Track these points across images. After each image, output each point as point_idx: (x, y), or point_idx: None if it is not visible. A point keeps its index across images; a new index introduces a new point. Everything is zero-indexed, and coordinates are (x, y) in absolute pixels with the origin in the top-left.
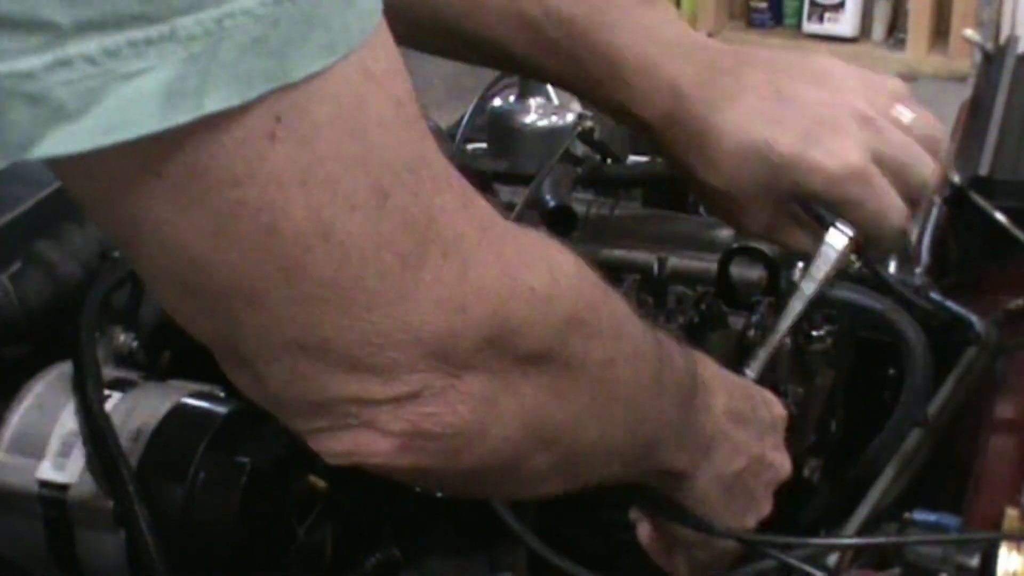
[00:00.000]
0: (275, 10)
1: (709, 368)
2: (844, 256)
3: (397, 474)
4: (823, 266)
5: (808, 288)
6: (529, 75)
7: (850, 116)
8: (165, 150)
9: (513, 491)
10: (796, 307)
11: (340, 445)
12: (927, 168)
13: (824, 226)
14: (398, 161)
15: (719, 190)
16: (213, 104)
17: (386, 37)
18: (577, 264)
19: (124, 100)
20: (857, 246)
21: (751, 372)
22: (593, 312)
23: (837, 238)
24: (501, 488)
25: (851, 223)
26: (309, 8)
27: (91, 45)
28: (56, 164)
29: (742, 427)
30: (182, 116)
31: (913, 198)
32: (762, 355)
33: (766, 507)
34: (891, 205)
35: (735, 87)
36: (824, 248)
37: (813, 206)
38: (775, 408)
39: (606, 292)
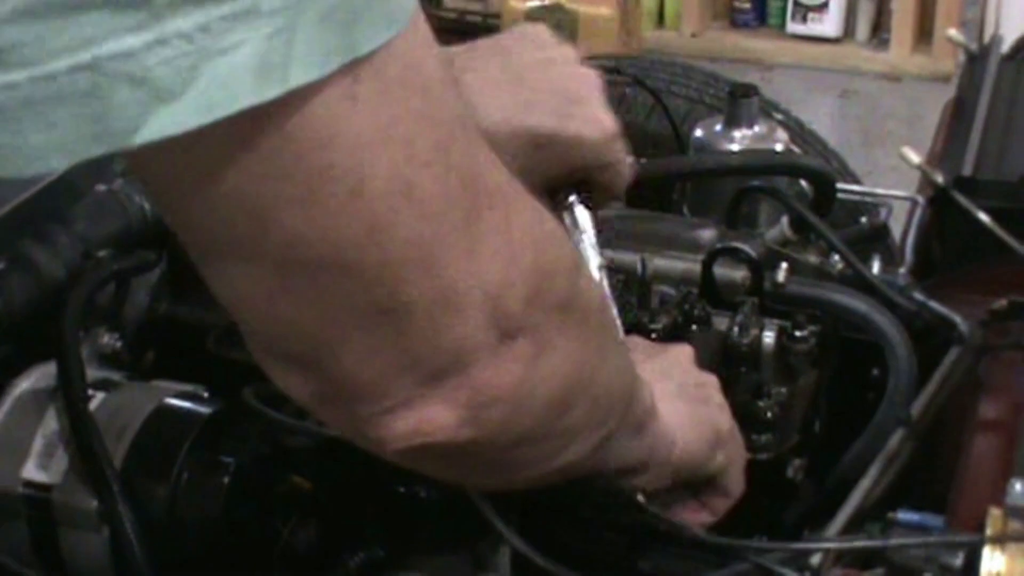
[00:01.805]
0: None
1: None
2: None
3: (448, 456)
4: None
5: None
6: None
7: (587, 84)
8: (257, 123)
9: (543, 462)
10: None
11: (405, 425)
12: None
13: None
14: (452, 118)
15: None
16: (297, 78)
17: (420, 4)
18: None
19: (220, 76)
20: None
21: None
22: (578, 257)
23: (583, 213)
24: (535, 458)
25: (611, 181)
26: None
27: (185, 22)
28: (143, 157)
29: (697, 402)
30: (273, 90)
31: None
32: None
33: (727, 416)
34: (626, 160)
35: (480, 80)
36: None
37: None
38: (712, 385)
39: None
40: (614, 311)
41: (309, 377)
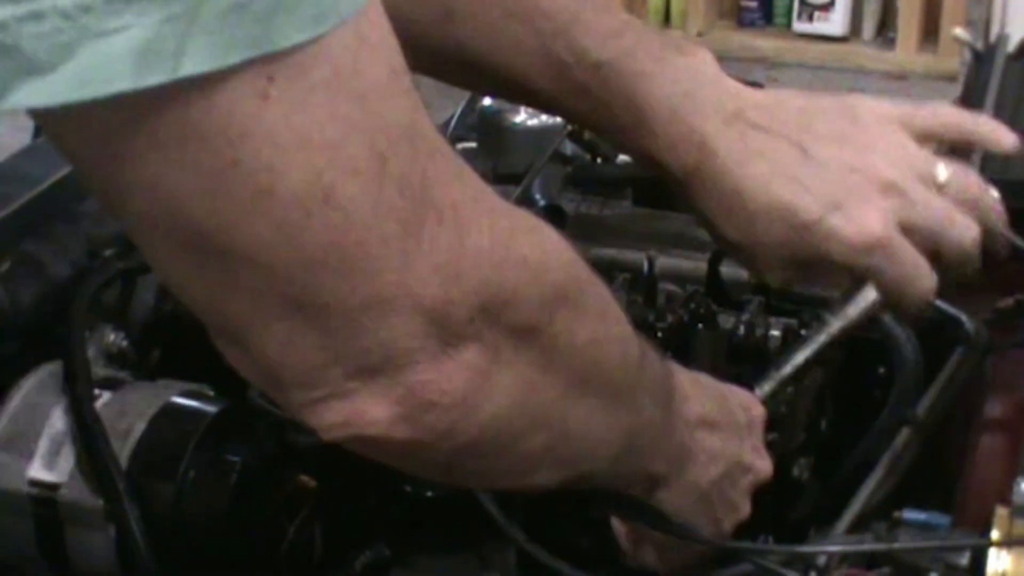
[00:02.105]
0: None
1: (681, 374)
2: (873, 307)
3: (390, 453)
4: (853, 311)
5: (834, 325)
6: (556, 114)
7: (876, 182)
8: (154, 108)
9: (507, 478)
10: (818, 340)
11: (336, 416)
12: (963, 231)
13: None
14: (395, 127)
15: (740, 245)
16: (190, 67)
17: (379, 9)
18: (566, 244)
19: (97, 57)
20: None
21: (760, 392)
22: (580, 289)
23: (870, 292)
24: (495, 473)
25: (890, 291)
26: None
27: (64, 0)
28: (45, 120)
29: (717, 434)
30: (156, 77)
31: (952, 264)
32: (774, 379)
33: (744, 510)
34: (915, 275)
35: (762, 143)
36: (860, 294)
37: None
38: (753, 409)
39: (591, 273)
40: (659, 368)
41: (245, 358)
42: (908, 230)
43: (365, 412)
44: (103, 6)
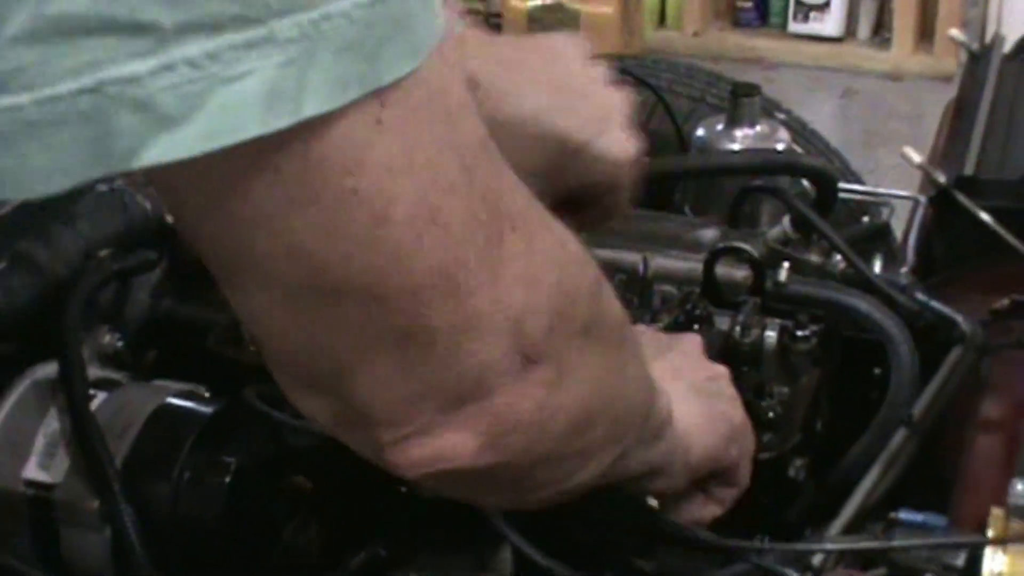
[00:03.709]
0: (369, 13)
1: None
2: None
3: (470, 481)
4: None
5: None
6: None
7: (622, 104)
8: (277, 148)
9: (562, 481)
10: None
11: (425, 451)
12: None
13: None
14: (475, 141)
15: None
16: (311, 108)
17: (446, 28)
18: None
19: (226, 104)
20: None
21: None
22: (606, 282)
23: None
24: (555, 478)
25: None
26: (398, 10)
27: (193, 48)
28: (157, 174)
29: (709, 399)
30: (282, 120)
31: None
32: None
33: (740, 409)
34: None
35: (522, 74)
36: None
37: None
38: (690, 342)
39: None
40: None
41: (329, 401)
42: None
43: (454, 445)
44: (228, 53)
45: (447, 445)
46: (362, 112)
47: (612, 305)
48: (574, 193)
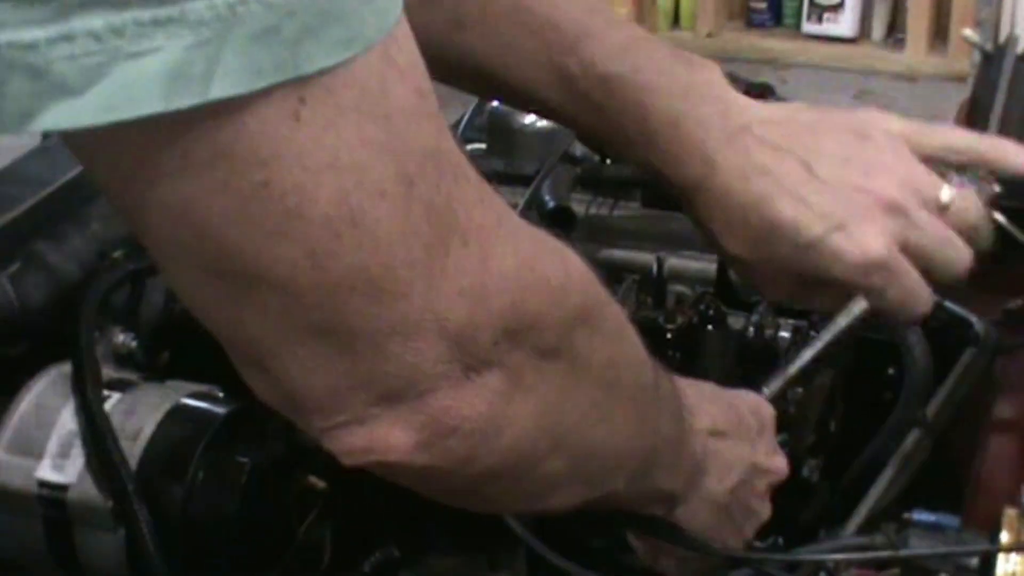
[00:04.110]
0: (290, 0)
1: (689, 389)
2: (861, 317)
3: (411, 478)
4: (843, 320)
5: (826, 335)
6: (562, 124)
7: (879, 203)
8: (184, 130)
9: (527, 501)
10: (817, 345)
11: (357, 441)
12: (957, 254)
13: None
14: (421, 150)
15: (743, 261)
16: (219, 90)
17: (407, 31)
18: (584, 264)
19: (127, 80)
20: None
21: (767, 391)
22: (599, 310)
23: (859, 303)
24: (515, 497)
25: (887, 309)
26: (326, 2)
27: (96, 21)
28: (72, 139)
29: (728, 441)
30: (185, 100)
31: (939, 284)
32: (779, 381)
33: (764, 513)
34: (913, 293)
35: (767, 159)
36: (848, 305)
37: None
38: (762, 410)
39: (608, 294)
40: (669, 386)
41: (267, 384)
42: (906, 249)
43: (386, 438)
44: (134, 28)
45: (380, 437)
46: (278, 105)
47: (598, 345)
48: (822, 287)
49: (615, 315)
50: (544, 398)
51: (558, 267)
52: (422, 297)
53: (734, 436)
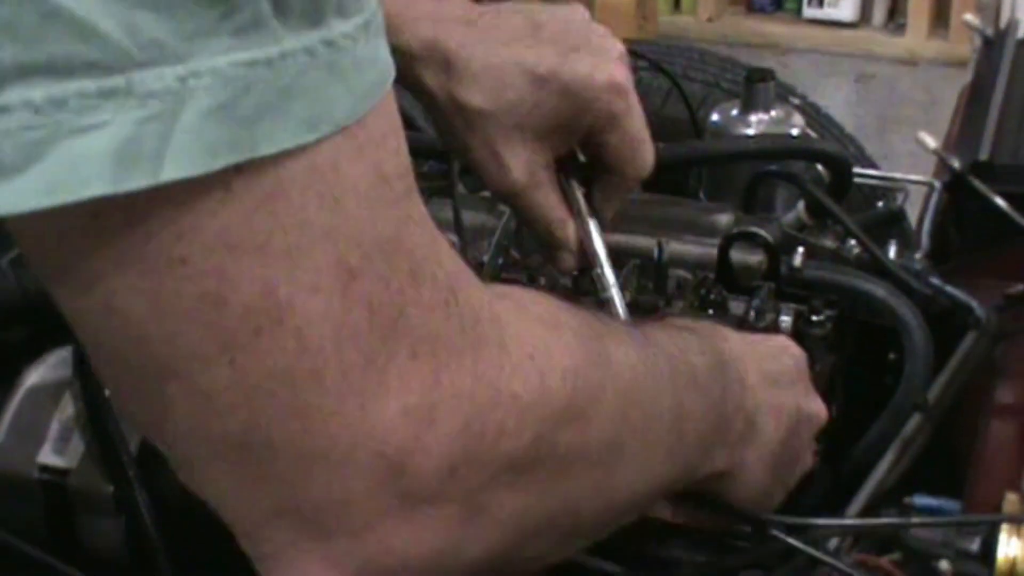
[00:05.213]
0: (247, 73)
1: (732, 341)
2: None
3: None
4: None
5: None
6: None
7: (607, 40)
8: (113, 210)
9: (518, 570)
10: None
11: (289, 574)
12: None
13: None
14: (370, 240)
15: (483, 111)
16: (171, 172)
17: (387, 107)
18: (576, 348)
19: (71, 157)
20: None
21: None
22: (592, 399)
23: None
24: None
25: (620, 149)
26: (290, 78)
27: (35, 92)
28: (9, 221)
29: (776, 387)
30: (135, 182)
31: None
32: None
33: (808, 462)
34: (643, 135)
35: (493, 23)
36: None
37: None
38: (794, 350)
39: (609, 365)
40: (704, 369)
41: (195, 488)
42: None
43: None
44: (77, 100)
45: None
46: (209, 180)
47: (593, 435)
48: (587, 152)
49: (618, 388)
50: (517, 508)
51: (531, 377)
52: (356, 415)
53: (780, 381)
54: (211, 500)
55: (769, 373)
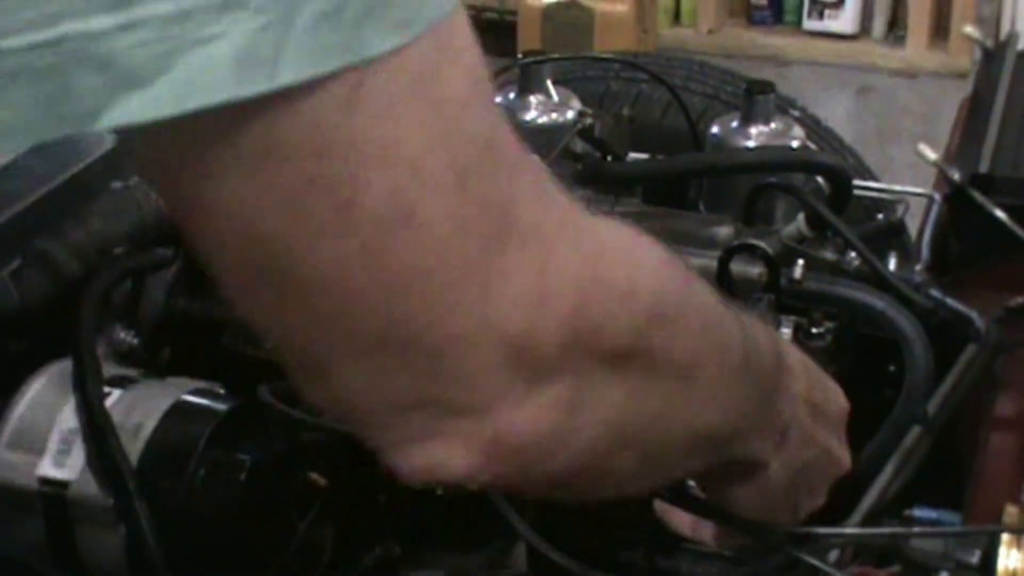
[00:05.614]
0: None
1: (792, 352)
2: None
3: (478, 486)
4: None
5: None
6: None
7: None
8: (240, 120)
9: (599, 492)
10: None
11: (417, 460)
12: None
13: None
14: (476, 141)
15: None
16: (288, 75)
17: (463, 15)
18: (661, 257)
19: (196, 67)
20: None
21: None
22: (678, 307)
23: None
24: (586, 490)
25: None
26: None
27: (163, 7)
28: (127, 137)
29: (816, 417)
30: (256, 86)
31: None
32: None
33: (821, 499)
34: None
35: None
36: None
37: None
38: (842, 401)
39: (691, 284)
40: (767, 353)
41: (325, 393)
42: None
43: (448, 458)
44: (200, 13)
45: (440, 458)
46: (334, 92)
47: (678, 344)
48: None
49: (699, 308)
50: (614, 404)
51: (625, 269)
52: (478, 302)
53: (822, 414)
54: (347, 397)
55: (815, 402)
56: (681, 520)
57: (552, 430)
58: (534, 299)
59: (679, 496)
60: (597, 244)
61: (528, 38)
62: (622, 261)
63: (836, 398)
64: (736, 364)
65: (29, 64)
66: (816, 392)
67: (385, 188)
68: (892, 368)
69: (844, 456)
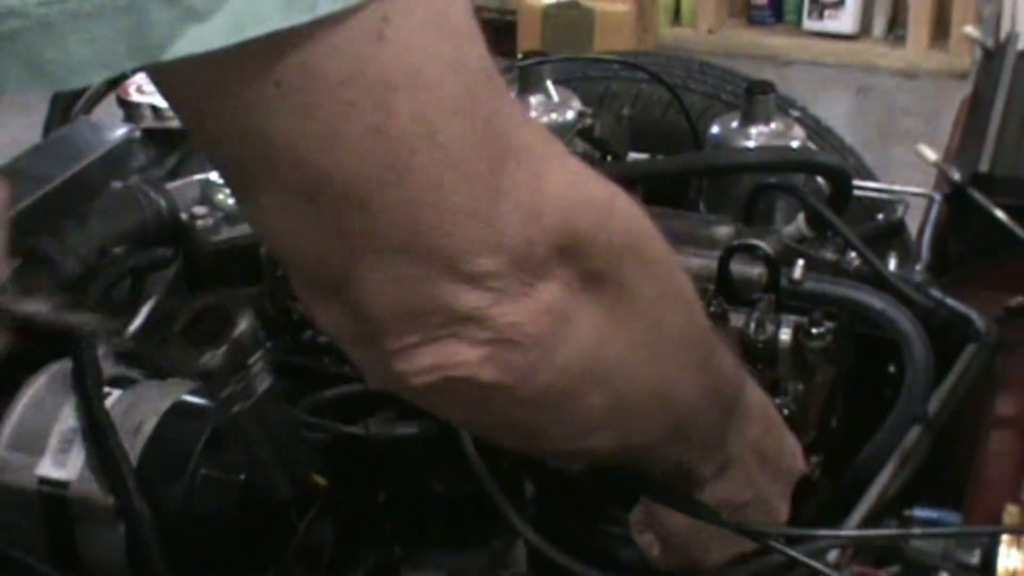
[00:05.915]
0: None
1: (755, 395)
2: None
3: (472, 398)
4: None
5: None
6: None
7: None
8: (283, 53)
9: (568, 439)
10: None
11: (428, 360)
12: None
13: None
14: (479, 67)
15: None
16: (324, 6)
17: None
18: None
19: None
20: None
21: None
22: (646, 241)
23: None
24: (558, 431)
25: None
26: None
27: None
28: (164, 70)
29: (763, 465)
30: (300, 16)
31: None
32: None
33: (740, 548)
34: None
35: None
36: None
37: None
38: (798, 460)
39: (656, 230)
40: (730, 374)
41: (341, 310)
42: None
43: (455, 355)
44: None
45: (449, 355)
46: (365, 24)
47: (646, 277)
48: None
49: (663, 251)
50: (593, 322)
51: (604, 190)
52: (487, 213)
53: (768, 465)
54: (370, 304)
55: (765, 450)
56: (646, 548)
57: (544, 330)
58: (531, 212)
59: (668, 494)
60: (579, 166)
61: (528, 38)
62: (601, 185)
63: (792, 454)
64: (700, 332)
65: (113, 1)
66: (770, 441)
67: (411, 112)
68: (892, 368)
69: (782, 510)
